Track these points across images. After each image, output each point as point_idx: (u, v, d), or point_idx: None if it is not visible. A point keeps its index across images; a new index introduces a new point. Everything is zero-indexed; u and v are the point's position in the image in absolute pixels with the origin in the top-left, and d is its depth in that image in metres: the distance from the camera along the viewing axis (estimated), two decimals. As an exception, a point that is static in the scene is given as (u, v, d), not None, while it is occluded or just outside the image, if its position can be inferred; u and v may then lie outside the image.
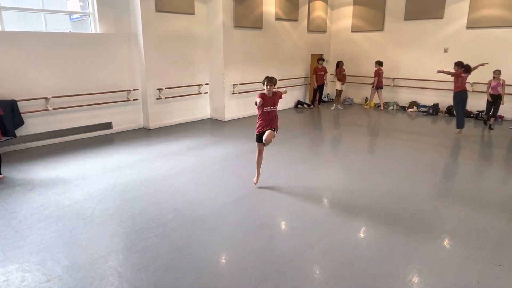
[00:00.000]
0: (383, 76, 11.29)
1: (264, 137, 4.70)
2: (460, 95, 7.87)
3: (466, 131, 8.70)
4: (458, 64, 7.81)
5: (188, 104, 9.47)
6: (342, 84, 11.53)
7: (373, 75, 11.33)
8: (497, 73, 8.33)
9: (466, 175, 5.63)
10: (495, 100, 8.48)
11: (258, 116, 4.89)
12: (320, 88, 11.70)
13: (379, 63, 11.18)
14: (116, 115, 8.33)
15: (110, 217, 4.19)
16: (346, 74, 11.66)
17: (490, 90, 8.47)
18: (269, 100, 4.77)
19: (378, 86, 11.25)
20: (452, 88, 10.32)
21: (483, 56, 9.81)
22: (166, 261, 3.33)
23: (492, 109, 8.62)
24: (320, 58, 11.47)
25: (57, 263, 3.30)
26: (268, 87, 4.66)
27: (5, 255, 3.42)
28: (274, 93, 4.79)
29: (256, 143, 5.00)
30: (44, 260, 3.34)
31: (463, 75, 7.76)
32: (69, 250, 3.51)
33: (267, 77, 4.72)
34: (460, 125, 7.95)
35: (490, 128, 8.69)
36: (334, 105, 11.64)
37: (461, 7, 9.96)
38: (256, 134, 4.92)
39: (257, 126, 4.90)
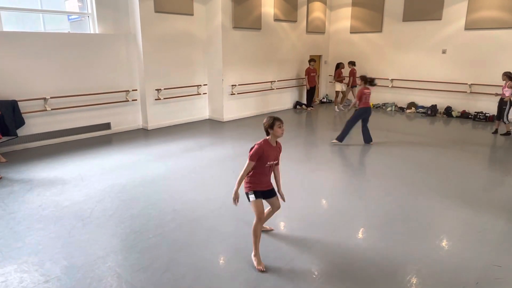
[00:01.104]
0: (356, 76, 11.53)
1: (268, 212, 3.53)
2: (364, 112, 7.24)
3: (467, 131, 8.72)
4: (363, 79, 7.19)
5: (187, 105, 9.46)
6: (342, 85, 11.53)
7: (348, 75, 11.53)
8: (503, 75, 8.06)
9: (464, 175, 5.64)
10: (500, 103, 8.22)
11: (251, 172, 3.35)
12: (312, 90, 11.66)
13: (353, 63, 11.41)
14: (115, 116, 8.32)
15: (108, 218, 4.19)
16: (344, 75, 11.65)
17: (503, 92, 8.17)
18: (272, 152, 3.30)
19: (353, 85, 11.52)
20: (450, 89, 10.49)
21: (481, 57, 9.86)
22: (165, 261, 3.33)
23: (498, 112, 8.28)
24: (311, 59, 11.42)
25: (56, 263, 3.29)
26: (282, 129, 3.27)
27: (3, 256, 3.42)
28: (277, 143, 3.40)
29: (255, 201, 3.34)
30: (43, 260, 3.34)
31: (365, 91, 7.13)
32: (68, 251, 3.50)
33: (275, 118, 3.27)
34: (341, 138, 7.37)
35: (496, 132, 8.40)
36: (336, 106, 11.59)
37: (459, 9, 9.99)
38: (254, 192, 3.36)
39: (248, 181, 3.39)
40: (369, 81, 7.18)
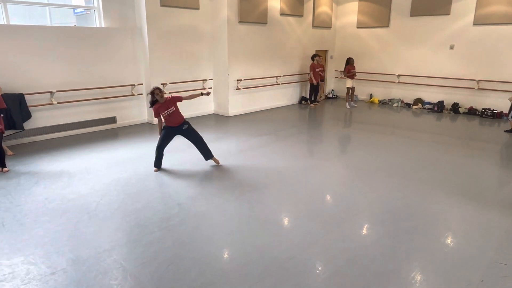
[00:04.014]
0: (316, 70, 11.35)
1: None
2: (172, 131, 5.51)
3: (474, 128, 8.64)
4: (154, 94, 5.29)
5: (191, 100, 9.42)
6: (353, 81, 11.30)
7: (309, 70, 11.30)
8: None
9: (470, 172, 5.60)
10: None
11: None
12: (317, 85, 11.49)
13: (315, 56, 11.23)
14: (121, 110, 8.35)
15: (114, 211, 4.22)
16: (356, 71, 11.39)
17: None
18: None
19: (317, 81, 11.28)
20: (457, 85, 10.37)
21: (490, 53, 9.74)
22: (170, 255, 3.35)
23: None
24: (315, 54, 11.24)
25: (62, 256, 3.32)
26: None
27: (10, 248, 3.46)
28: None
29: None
30: (49, 253, 3.37)
31: (163, 113, 5.34)
32: (74, 244, 3.54)
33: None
34: (156, 164, 5.57)
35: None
36: (347, 103, 11.34)
37: (468, 4, 9.85)
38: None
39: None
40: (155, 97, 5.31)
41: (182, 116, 5.56)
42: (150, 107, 5.43)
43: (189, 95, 5.65)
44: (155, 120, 8.65)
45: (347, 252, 3.44)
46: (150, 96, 5.35)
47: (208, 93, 5.81)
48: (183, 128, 5.55)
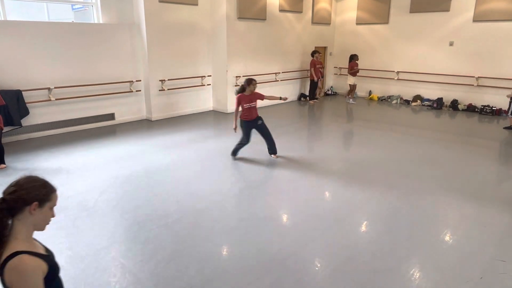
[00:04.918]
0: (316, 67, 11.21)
1: None
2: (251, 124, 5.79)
3: (473, 124, 8.64)
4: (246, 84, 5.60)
5: (190, 96, 9.43)
6: (355, 78, 11.23)
7: (309, 67, 11.16)
8: None
9: (470, 169, 5.60)
10: None
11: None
12: (316, 82, 11.41)
13: (314, 53, 11.08)
14: (119, 106, 8.31)
15: (112, 208, 4.20)
16: (358, 68, 11.32)
17: None
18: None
19: (317, 78, 11.20)
20: (456, 82, 10.34)
21: (489, 50, 9.71)
22: (169, 253, 3.34)
23: None
24: (315, 51, 11.18)
25: (60, 253, 3.30)
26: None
27: (8, 245, 3.44)
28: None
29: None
30: (47, 250, 3.35)
31: (244, 104, 5.59)
32: (72, 241, 3.52)
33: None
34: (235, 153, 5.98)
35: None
36: (347, 97, 11.29)
37: (468, 0, 9.81)
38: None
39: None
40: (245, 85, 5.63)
41: (257, 112, 5.83)
42: (236, 93, 5.70)
43: (269, 95, 6.00)
44: (154, 117, 8.65)
45: (347, 249, 3.43)
46: (245, 83, 5.62)
47: (285, 98, 6.08)
48: (258, 123, 5.80)
